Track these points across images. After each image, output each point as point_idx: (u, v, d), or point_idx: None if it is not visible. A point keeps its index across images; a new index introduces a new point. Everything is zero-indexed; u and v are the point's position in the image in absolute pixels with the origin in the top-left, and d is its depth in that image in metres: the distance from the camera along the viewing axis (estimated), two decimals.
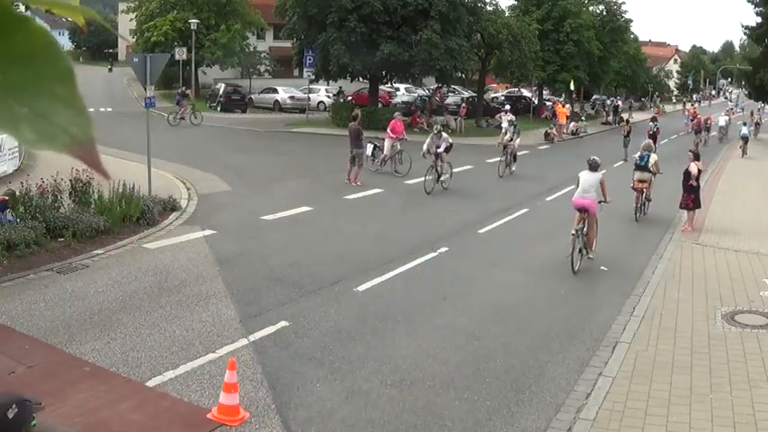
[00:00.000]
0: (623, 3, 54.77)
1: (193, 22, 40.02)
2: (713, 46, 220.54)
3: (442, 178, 18.26)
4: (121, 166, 16.42)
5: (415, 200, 17.21)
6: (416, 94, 44.87)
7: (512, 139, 22.06)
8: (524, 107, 43.92)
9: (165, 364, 7.23)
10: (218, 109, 34.95)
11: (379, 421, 6.37)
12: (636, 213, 15.88)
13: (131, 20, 45.84)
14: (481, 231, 14.23)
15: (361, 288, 10.05)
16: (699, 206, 15.06)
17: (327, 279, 10.38)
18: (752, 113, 49.92)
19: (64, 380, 6.69)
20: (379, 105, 36.00)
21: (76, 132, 0.58)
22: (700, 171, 15.10)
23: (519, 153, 23.33)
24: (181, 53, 37.55)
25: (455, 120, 36.38)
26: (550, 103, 46.54)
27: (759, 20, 42.54)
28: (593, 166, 12.19)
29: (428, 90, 47.18)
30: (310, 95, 39.42)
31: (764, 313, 9.52)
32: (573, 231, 11.44)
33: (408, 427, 6.32)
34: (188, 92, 36.90)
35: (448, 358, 7.81)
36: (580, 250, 11.53)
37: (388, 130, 20.91)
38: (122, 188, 12.94)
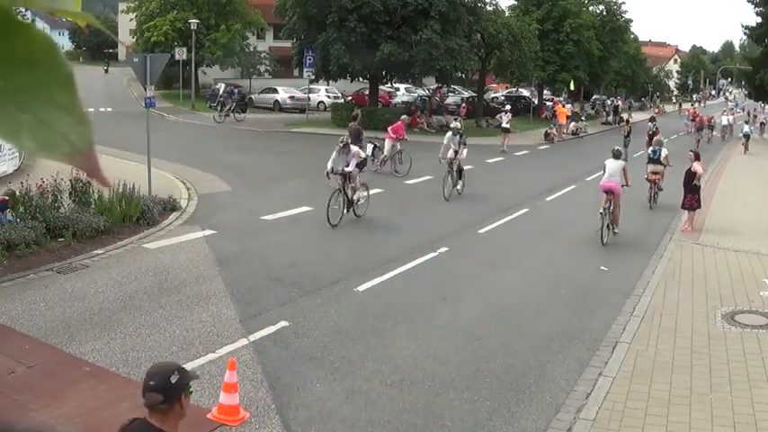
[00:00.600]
0: (623, 3, 54.89)
1: (193, 22, 39.95)
2: (713, 46, 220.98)
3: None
4: (121, 166, 16.42)
5: (415, 200, 17.20)
6: (416, 95, 44.86)
7: (457, 153, 17.45)
8: (524, 107, 43.94)
9: None
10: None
11: (379, 421, 6.37)
12: (650, 201, 17.52)
13: (131, 20, 45.77)
14: (481, 231, 14.23)
15: (361, 288, 10.06)
16: (699, 206, 15.11)
17: (327, 279, 10.37)
18: (748, 113, 50.13)
19: (64, 380, 6.70)
20: (379, 105, 35.99)
21: (76, 141, 0.58)
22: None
23: (518, 153, 23.11)
24: (181, 53, 37.47)
25: (455, 119, 36.28)
26: (551, 103, 46.52)
27: (759, 20, 42.53)
28: (617, 155, 14.11)
29: (428, 90, 47.15)
30: (310, 95, 39.40)
31: (764, 313, 9.53)
32: (601, 210, 13.23)
33: (408, 427, 6.32)
34: (236, 90, 37.04)
35: (448, 358, 7.81)
36: (608, 226, 13.32)
37: (389, 130, 20.92)
38: (122, 188, 12.94)
